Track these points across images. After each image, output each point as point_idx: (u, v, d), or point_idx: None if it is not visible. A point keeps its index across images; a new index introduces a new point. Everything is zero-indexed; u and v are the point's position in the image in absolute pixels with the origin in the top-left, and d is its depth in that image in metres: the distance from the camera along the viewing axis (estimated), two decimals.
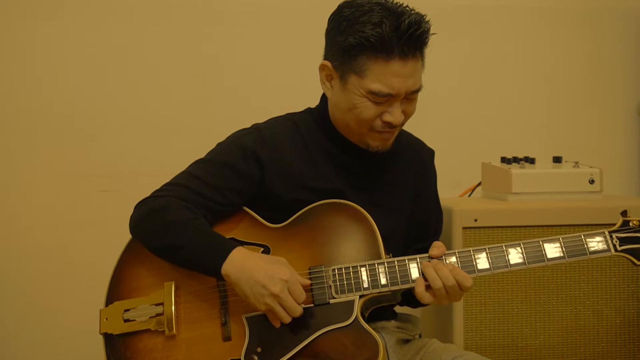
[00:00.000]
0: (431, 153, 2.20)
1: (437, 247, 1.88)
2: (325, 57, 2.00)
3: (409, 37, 1.86)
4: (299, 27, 3.17)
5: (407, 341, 2.11)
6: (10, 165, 3.08)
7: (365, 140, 1.99)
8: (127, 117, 3.10)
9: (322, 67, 1.99)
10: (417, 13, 1.91)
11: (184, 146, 2.90)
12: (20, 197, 3.07)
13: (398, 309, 2.16)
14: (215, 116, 3.10)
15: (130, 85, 3.10)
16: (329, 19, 2.00)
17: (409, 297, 1.99)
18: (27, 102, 3.07)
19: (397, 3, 1.93)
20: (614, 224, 1.88)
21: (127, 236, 2.02)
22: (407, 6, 1.93)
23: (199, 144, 2.12)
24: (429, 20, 1.92)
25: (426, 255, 1.88)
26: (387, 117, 1.93)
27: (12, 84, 3.07)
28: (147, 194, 2.01)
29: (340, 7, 1.96)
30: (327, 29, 2.00)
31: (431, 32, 1.92)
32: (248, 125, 2.10)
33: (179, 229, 1.89)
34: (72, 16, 3.08)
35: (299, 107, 2.16)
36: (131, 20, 3.10)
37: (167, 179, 2.03)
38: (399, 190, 2.08)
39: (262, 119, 2.12)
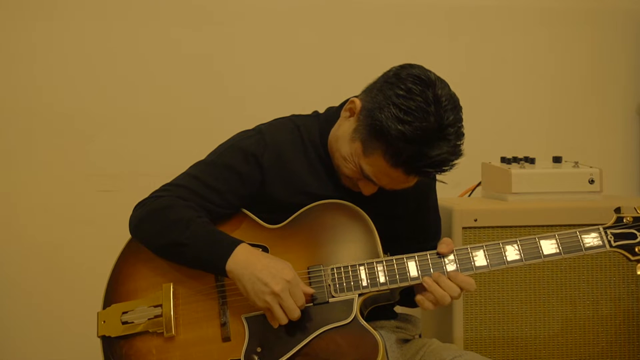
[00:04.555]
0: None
1: (445, 244, 1.88)
2: (362, 94, 1.92)
3: (421, 168, 1.82)
4: (298, 28, 3.18)
5: (406, 341, 2.11)
6: (10, 165, 3.08)
7: (337, 173, 1.98)
8: (126, 117, 3.11)
9: (352, 102, 1.92)
10: (454, 149, 1.81)
11: (183, 146, 2.91)
12: (19, 197, 3.08)
13: (398, 309, 2.16)
14: (215, 116, 3.10)
15: (129, 85, 3.11)
16: (392, 72, 1.87)
17: (407, 297, 1.99)
18: (26, 102, 3.07)
19: (448, 120, 1.79)
20: None
21: (127, 237, 2.01)
22: (455, 130, 1.80)
23: (198, 144, 2.12)
24: (459, 157, 1.83)
25: (425, 253, 1.88)
26: (361, 186, 1.94)
27: (11, 84, 3.07)
28: (147, 194, 2.00)
29: (406, 76, 1.83)
30: (385, 74, 1.89)
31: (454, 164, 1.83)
32: (247, 126, 2.09)
33: (182, 226, 1.89)
34: (71, 17, 3.08)
35: (297, 108, 2.16)
36: (131, 21, 3.11)
37: (167, 179, 2.03)
38: (398, 199, 2.06)
39: (261, 120, 2.11)
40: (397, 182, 1.88)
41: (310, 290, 1.85)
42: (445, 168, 1.83)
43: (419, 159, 1.80)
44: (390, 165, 1.82)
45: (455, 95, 1.86)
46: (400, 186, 1.89)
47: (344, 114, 1.95)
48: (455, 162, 1.83)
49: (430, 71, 1.86)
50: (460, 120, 1.84)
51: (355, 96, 1.97)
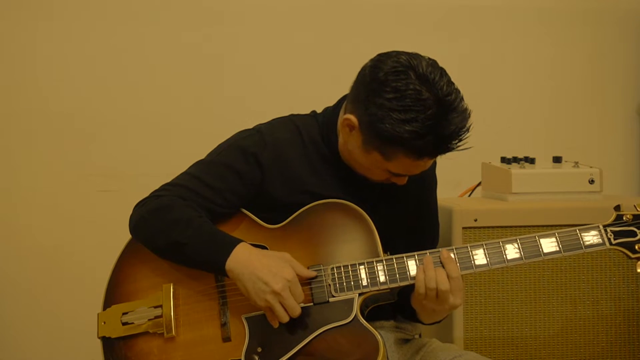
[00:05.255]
0: (433, 162, 2.18)
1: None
2: (352, 107, 1.89)
3: (446, 148, 1.83)
4: (299, 28, 3.18)
5: (406, 341, 2.11)
6: (10, 165, 3.08)
7: (365, 178, 1.98)
8: (127, 117, 3.11)
9: (347, 119, 1.89)
10: (463, 114, 1.80)
11: (184, 146, 2.90)
12: (20, 197, 3.08)
13: None
14: (215, 116, 3.10)
15: (130, 85, 3.11)
16: (368, 77, 1.84)
17: (403, 306, 1.99)
18: (27, 102, 3.07)
19: (443, 91, 1.78)
20: None
21: (127, 237, 2.01)
22: (454, 96, 1.79)
23: (199, 144, 2.12)
24: (469, 117, 1.82)
25: (425, 252, 1.88)
26: (395, 180, 1.95)
27: (12, 84, 3.07)
28: (147, 194, 2.00)
29: (384, 76, 1.80)
30: (362, 80, 1.86)
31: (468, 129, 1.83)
32: (248, 126, 2.09)
33: (182, 226, 1.89)
34: (72, 16, 3.08)
35: (298, 108, 2.16)
36: (131, 21, 3.11)
37: (167, 179, 2.02)
38: (398, 199, 2.07)
39: (261, 119, 2.11)
40: (427, 165, 1.91)
41: (312, 273, 1.86)
42: (467, 134, 1.83)
43: (441, 143, 1.81)
44: (415, 159, 1.84)
45: (431, 60, 1.85)
46: (428, 166, 1.91)
47: (343, 129, 1.93)
48: (469, 122, 1.83)
49: (397, 54, 1.85)
50: (450, 80, 1.83)
51: (342, 99, 1.98)
